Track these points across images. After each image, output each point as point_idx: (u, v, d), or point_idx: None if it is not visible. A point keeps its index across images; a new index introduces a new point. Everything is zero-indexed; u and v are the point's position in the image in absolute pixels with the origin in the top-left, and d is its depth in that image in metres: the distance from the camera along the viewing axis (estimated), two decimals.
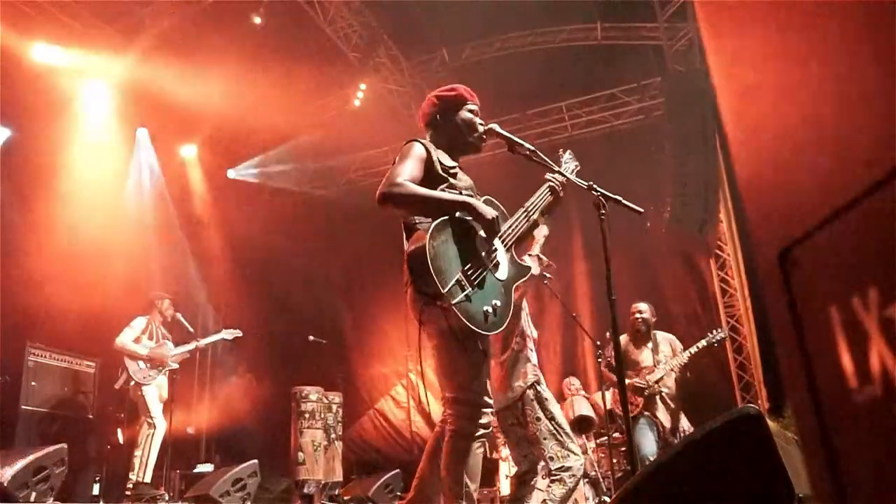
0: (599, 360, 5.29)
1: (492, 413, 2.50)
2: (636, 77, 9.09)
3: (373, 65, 8.78)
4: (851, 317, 0.49)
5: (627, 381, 5.11)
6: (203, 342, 6.43)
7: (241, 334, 6.69)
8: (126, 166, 8.54)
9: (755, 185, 0.60)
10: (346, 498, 6.18)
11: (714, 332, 5.31)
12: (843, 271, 0.51)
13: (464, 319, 2.28)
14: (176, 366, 6.16)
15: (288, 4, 7.84)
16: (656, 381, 5.05)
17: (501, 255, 2.57)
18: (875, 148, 0.48)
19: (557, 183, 2.86)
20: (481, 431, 2.43)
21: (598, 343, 5.20)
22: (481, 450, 2.46)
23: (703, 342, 5.19)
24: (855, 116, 0.50)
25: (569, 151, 3.05)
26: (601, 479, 5.59)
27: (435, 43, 9.22)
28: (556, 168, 2.91)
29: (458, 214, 2.48)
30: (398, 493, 6.22)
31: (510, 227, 2.71)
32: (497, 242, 2.57)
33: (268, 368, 8.62)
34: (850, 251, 0.50)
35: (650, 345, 5.20)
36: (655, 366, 5.12)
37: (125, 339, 5.95)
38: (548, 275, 4.09)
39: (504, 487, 6.48)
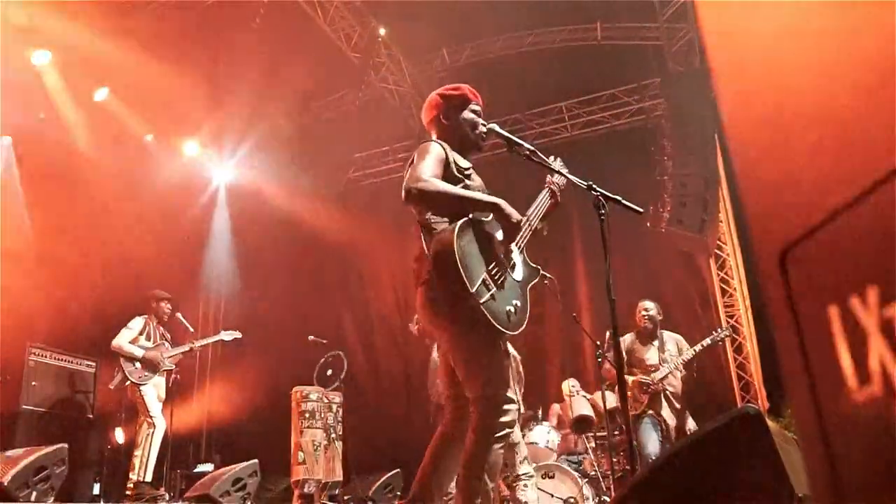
0: (599, 359, 5.29)
1: (517, 409, 2.51)
2: (636, 77, 9.09)
3: (373, 65, 8.77)
4: (851, 317, 0.49)
5: (632, 377, 5.13)
6: (199, 343, 6.43)
7: (240, 336, 6.68)
8: (127, 168, 8.54)
9: (755, 186, 0.60)
10: (346, 498, 6.18)
11: (717, 331, 5.34)
12: (842, 271, 0.51)
13: (490, 318, 2.31)
14: (172, 366, 6.14)
15: (288, 4, 7.84)
16: (660, 380, 5.06)
17: (517, 256, 2.62)
18: (875, 148, 0.48)
19: (557, 186, 2.88)
20: (506, 430, 2.43)
21: (598, 343, 5.20)
22: (503, 450, 2.45)
23: (708, 341, 5.20)
24: (855, 116, 0.50)
25: (559, 159, 3.02)
26: (601, 479, 5.59)
27: (435, 43, 9.22)
28: (556, 169, 2.92)
29: (476, 215, 2.50)
30: (398, 493, 6.22)
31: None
32: (512, 244, 2.61)
33: (268, 368, 8.62)
34: (850, 251, 0.50)
35: (656, 343, 5.22)
36: (661, 364, 5.13)
37: (121, 341, 5.94)
38: (548, 275, 4.12)
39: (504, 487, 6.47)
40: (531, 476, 3.75)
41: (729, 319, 8.42)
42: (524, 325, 2.50)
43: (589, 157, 9.01)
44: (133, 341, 6.01)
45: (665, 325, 5.47)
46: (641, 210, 2.84)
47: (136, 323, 6.13)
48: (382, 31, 8.46)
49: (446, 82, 3.00)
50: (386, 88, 9.33)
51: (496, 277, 2.42)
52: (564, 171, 2.97)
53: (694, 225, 7.78)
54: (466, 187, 2.59)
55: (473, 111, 2.77)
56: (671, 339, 5.27)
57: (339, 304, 10.05)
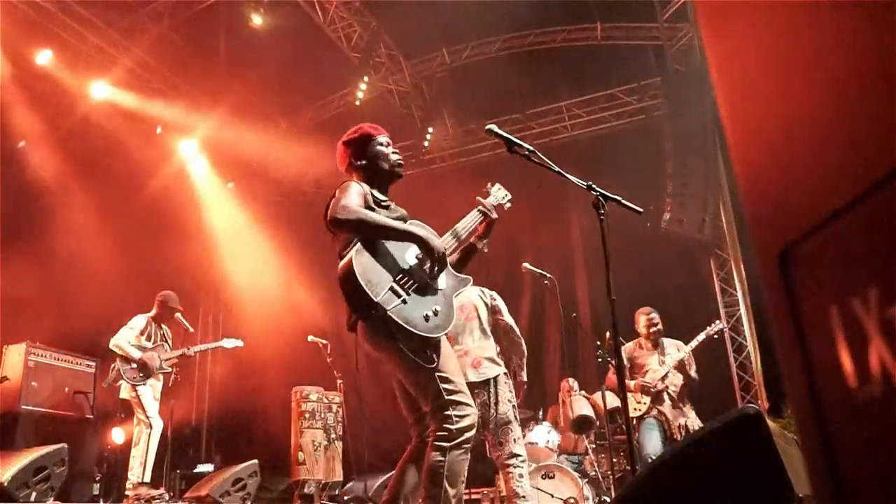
0: (599, 360, 5.29)
1: (472, 414, 2.52)
2: (636, 77, 9.10)
3: (373, 65, 8.78)
4: (851, 317, 0.49)
5: (636, 380, 5.15)
6: (196, 349, 6.42)
7: (241, 344, 6.64)
8: (129, 167, 8.53)
9: (755, 185, 0.60)
10: (345, 498, 6.18)
11: (713, 324, 5.33)
12: (843, 271, 0.51)
13: (401, 322, 2.37)
14: (169, 370, 6.10)
15: (288, 4, 7.84)
16: (661, 378, 5.08)
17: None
18: (875, 148, 0.48)
19: (488, 207, 2.95)
20: (465, 436, 2.47)
21: (598, 343, 5.21)
22: (466, 456, 2.48)
23: (702, 335, 5.22)
24: (855, 116, 0.50)
25: (497, 184, 3.10)
26: (601, 479, 5.59)
27: (435, 43, 9.22)
28: (556, 169, 2.92)
29: None
30: None
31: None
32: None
33: (268, 368, 8.62)
34: (850, 251, 0.50)
35: (658, 349, 5.24)
36: (661, 366, 5.16)
37: (120, 340, 5.90)
38: (548, 275, 4.19)
39: (502, 487, 6.46)
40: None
41: (729, 319, 8.42)
42: (448, 329, 2.55)
43: (589, 157, 9.02)
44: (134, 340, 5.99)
45: (665, 326, 5.47)
46: (641, 210, 2.85)
47: (138, 322, 6.09)
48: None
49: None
50: (386, 88, 9.33)
51: (407, 285, 2.48)
52: (502, 193, 3.06)
53: (694, 225, 7.78)
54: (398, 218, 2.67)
55: (380, 144, 2.83)
56: (671, 344, 5.29)
57: (339, 303, 10.03)
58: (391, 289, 2.43)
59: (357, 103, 9.08)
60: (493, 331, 4.04)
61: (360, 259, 2.44)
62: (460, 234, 2.86)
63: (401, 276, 2.49)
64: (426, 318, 2.45)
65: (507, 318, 4.09)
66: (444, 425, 2.45)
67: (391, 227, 2.55)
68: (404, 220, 2.73)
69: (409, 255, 2.58)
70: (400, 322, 2.37)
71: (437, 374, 2.47)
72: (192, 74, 8.50)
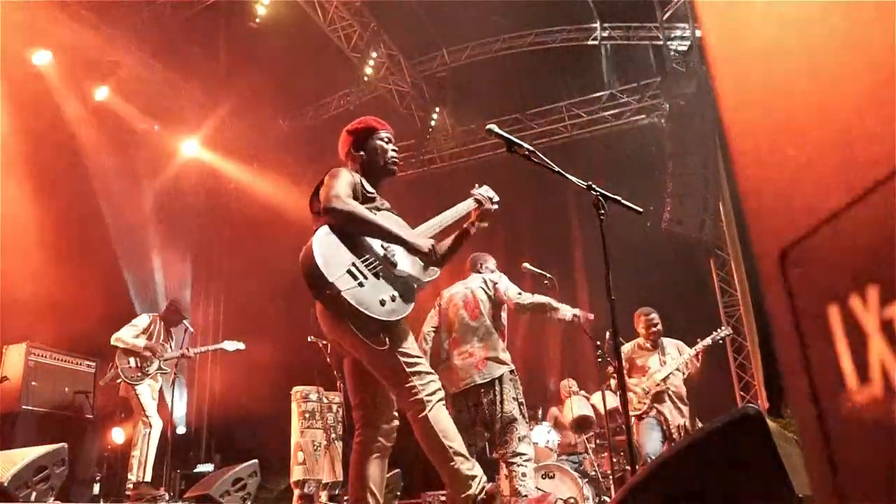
0: (599, 360, 5.29)
1: (435, 380, 2.56)
2: (636, 77, 9.10)
3: (373, 65, 8.78)
4: (851, 316, 0.49)
5: (636, 383, 5.15)
6: (196, 350, 6.41)
7: (243, 347, 6.63)
8: (131, 168, 8.52)
9: (755, 185, 0.60)
10: (345, 498, 6.18)
11: (718, 330, 5.35)
12: (842, 271, 0.51)
13: (354, 304, 2.37)
14: (168, 370, 6.10)
15: (288, 4, 7.84)
16: (663, 380, 5.08)
17: (400, 255, 2.66)
18: (875, 148, 0.48)
19: (485, 197, 2.98)
20: (437, 397, 2.51)
21: (598, 343, 5.21)
22: (442, 406, 2.54)
23: (708, 340, 5.22)
24: (855, 116, 0.50)
25: (485, 185, 3.11)
26: (601, 479, 5.59)
27: (435, 43, 9.22)
28: (556, 169, 2.92)
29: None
30: (398, 493, 6.22)
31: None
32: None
33: (268, 368, 8.62)
34: (850, 251, 0.50)
35: (658, 350, 5.24)
36: (662, 367, 5.16)
37: (123, 334, 5.91)
38: (548, 274, 4.20)
39: (504, 487, 6.46)
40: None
41: (729, 319, 8.43)
42: (405, 314, 2.55)
43: (589, 157, 9.02)
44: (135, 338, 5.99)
45: (665, 326, 5.47)
46: (641, 210, 2.85)
47: (142, 320, 6.10)
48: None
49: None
50: (386, 88, 9.33)
51: (367, 269, 2.49)
52: (489, 193, 3.06)
53: (694, 225, 7.78)
54: (375, 209, 2.70)
55: (381, 139, 2.90)
56: (671, 344, 5.30)
57: None
58: (349, 271, 2.43)
59: (365, 79, 9.00)
60: (496, 325, 4.04)
61: (322, 240, 2.46)
62: (447, 222, 2.89)
63: (363, 258, 2.51)
64: (382, 303, 2.46)
65: (518, 297, 4.04)
66: (416, 397, 2.49)
67: (379, 228, 2.58)
68: (390, 212, 2.78)
69: (376, 240, 2.60)
70: (353, 304, 2.37)
71: (396, 350, 2.49)
72: (192, 74, 8.50)
